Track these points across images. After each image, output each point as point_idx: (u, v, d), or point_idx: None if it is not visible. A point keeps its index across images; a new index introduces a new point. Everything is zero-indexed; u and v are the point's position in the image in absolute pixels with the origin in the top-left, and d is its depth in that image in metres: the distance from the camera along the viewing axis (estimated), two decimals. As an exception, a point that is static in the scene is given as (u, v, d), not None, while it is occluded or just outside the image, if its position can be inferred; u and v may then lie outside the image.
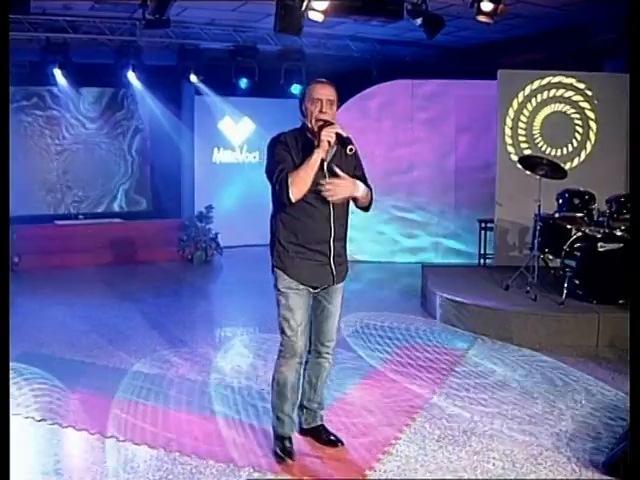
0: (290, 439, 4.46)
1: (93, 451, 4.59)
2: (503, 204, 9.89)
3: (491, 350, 6.96)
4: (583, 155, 9.93)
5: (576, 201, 7.98)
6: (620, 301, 7.43)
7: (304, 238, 4.20)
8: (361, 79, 12.56)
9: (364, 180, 4.34)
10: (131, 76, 12.14)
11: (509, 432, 4.92)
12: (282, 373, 4.33)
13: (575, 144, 9.94)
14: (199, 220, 12.66)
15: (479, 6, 8.48)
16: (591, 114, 9.85)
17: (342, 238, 4.33)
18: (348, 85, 11.61)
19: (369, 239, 11.59)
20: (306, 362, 4.51)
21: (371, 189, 4.33)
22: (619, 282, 7.44)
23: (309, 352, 4.50)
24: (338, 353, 4.70)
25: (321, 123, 4.06)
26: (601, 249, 7.46)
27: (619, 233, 7.59)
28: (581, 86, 9.85)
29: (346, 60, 12.78)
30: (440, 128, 11.72)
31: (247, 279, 10.65)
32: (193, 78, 12.56)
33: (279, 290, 4.28)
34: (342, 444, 4.62)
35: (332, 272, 4.28)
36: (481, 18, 8.55)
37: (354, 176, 4.25)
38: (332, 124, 4.06)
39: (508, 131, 10.02)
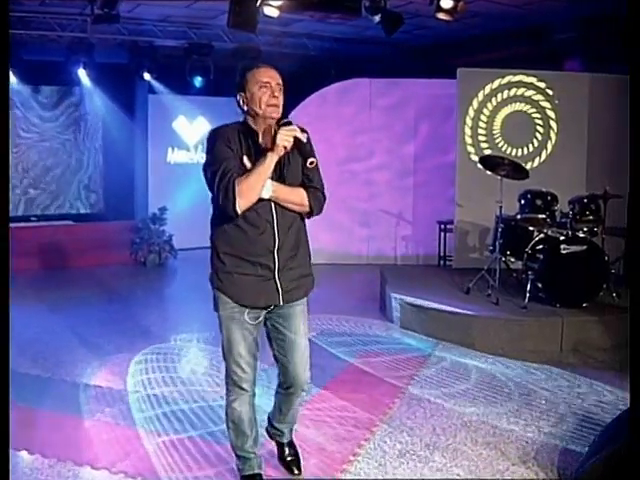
0: (260, 476, 3.97)
1: (32, 473, 4.26)
2: (463, 205, 9.71)
3: (453, 357, 6.73)
4: (544, 155, 9.78)
5: (538, 202, 7.81)
6: (584, 304, 7.30)
7: (243, 249, 3.65)
8: (318, 78, 12.32)
9: (313, 186, 3.76)
10: (82, 74, 11.77)
11: (473, 446, 4.69)
12: (235, 409, 3.82)
13: (536, 144, 9.79)
14: (152, 222, 12.34)
15: (439, 3, 8.30)
16: (552, 113, 9.71)
17: (292, 248, 3.73)
18: (305, 84, 11.40)
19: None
20: (277, 392, 4.10)
21: (322, 196, 3.78)
22: (583, 285, 7.33)
23: (280, 386, 4.04)
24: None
25: (272, 109, 3.57)
26: (564, 251, 7.31)
27: (581, 235, 7.45)
28: (542, 85, 9.70)
29: (303, 58, 12.53)
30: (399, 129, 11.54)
31: (202, 283, 10.14)
32: (147, 76, 12.22)
33: (219, 316, 3.79)
34: (299, 471, 4.23)
35: (277, 288, 3.69)
36: (441, 15, 8.39)
37: (303, 180, 3.75)
38: (289, 124, 3.54)
39: (468, 131, 9.84)
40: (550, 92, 9.70)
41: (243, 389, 3.80)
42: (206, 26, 11.44)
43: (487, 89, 9.79)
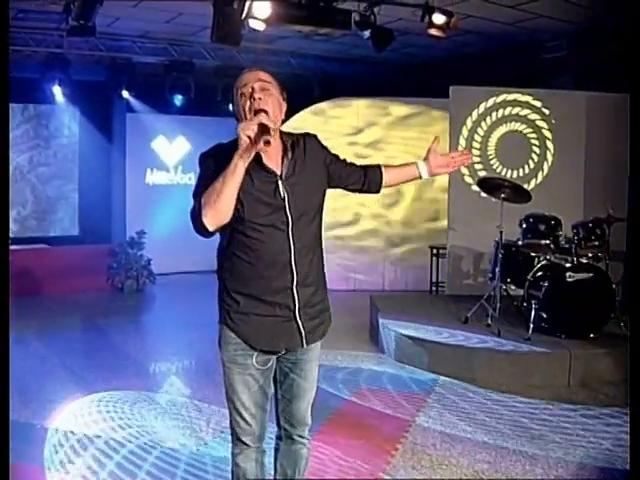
0: None
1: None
2: (456, 229, 9.29)
3: (454, 396, 6.23)
4: (540, 177, 9.38)
5: (542, 227, 7.40)
6: (591, 335, 6.87)
7: (256, 287, 3.09)
8: (302, 97, 11.90)
9: (353, 165, 3.42)
10: (57, 91, 11.34)
11: (488, 501, 4.23)
12: (239, 466, 3.29)
13: (532, 165, 9.40)
14: (130, 246, 11.87)
15: (431, 19, 7.96)
16: (548, 134, 9.32)
17: (313, 282, 3.20)
18: (288, 103, 10.96)
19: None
20: (276, 450, 3.51)
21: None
22: (590, 315, 6.91)
23: (279, 437, 3.48)
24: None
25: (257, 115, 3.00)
26: (570, 279, 6.88)
27: (586, 261, 7.04)
28: (537, 104, 9.32)
29: (287, 77, 12.10)
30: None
31: (182, 309, 9.93)
32: (125, 94, 11.83)
33: (222, 360, 3.25)
34: None
35: (299, 329, 3.15)
36: (433, 31, 8.07)
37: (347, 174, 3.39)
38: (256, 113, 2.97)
39: (462, 151, 9.42)
40: (546, 111, 9.32)
41: (245, 444, 3.26)
42: (187, 43, 11.04)
43: (481, 108, 9.39)
